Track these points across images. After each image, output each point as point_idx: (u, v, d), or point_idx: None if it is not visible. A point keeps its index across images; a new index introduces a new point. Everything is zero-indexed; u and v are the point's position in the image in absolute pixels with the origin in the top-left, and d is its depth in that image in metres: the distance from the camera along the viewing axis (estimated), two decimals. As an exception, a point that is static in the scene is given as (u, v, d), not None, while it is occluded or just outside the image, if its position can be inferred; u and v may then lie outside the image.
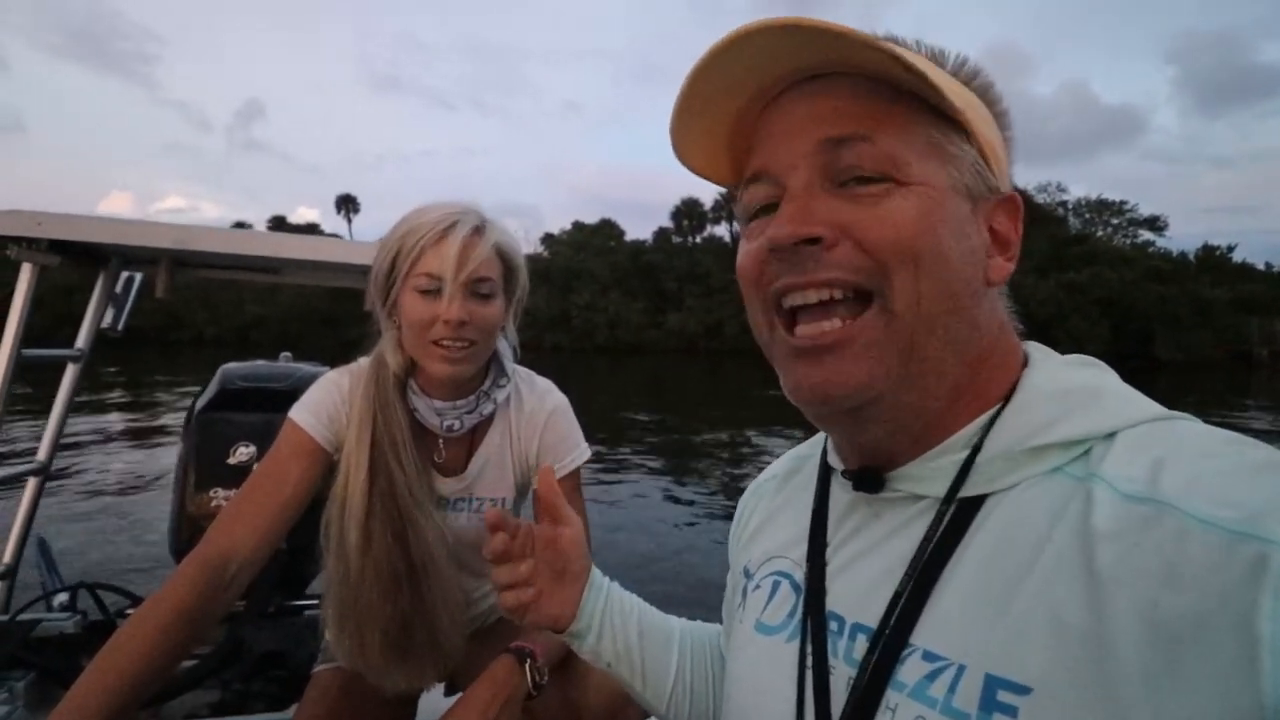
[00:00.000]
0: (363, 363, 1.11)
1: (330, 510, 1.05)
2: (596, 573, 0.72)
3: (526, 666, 0.97)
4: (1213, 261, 42.22)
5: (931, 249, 0.45)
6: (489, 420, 1.15)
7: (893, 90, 0.46)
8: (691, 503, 6.71)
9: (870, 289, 0.45)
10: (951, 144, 0.47)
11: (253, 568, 0.97)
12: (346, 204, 76.22)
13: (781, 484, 0.67)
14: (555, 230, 56.91)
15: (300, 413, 1.06)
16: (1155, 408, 0.45)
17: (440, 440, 1.13)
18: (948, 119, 0.47)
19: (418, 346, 1.03)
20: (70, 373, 1.69)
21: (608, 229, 54.56)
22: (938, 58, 0.51)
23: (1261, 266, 45.51)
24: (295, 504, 1.01)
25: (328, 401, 1.06)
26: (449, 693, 1.30)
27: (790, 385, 0.50)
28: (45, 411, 1.69)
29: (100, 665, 0.83)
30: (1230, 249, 44.33)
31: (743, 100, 0.50)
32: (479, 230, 1.04)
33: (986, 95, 0.51)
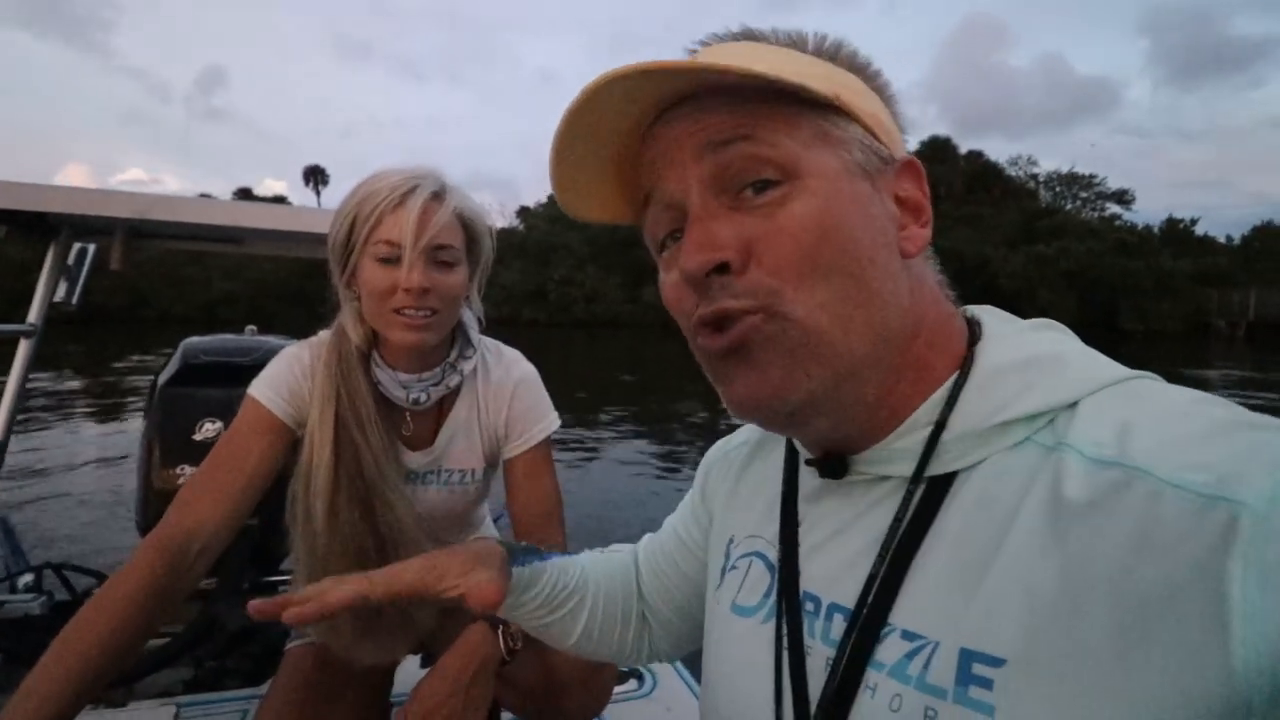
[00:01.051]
0: (324, 336, 1.09)
1: (295, 486, 1.03)
2: (518, 575, 0.67)
3: (500, 633, 0.98)
4: (1176, 234, 43.02)
5: (837, 247, 0.44)
6: (456, 392, 1.14)
7: (762, 93, 0.45)
8: (667, 472, 6.77)
9: (778, 311, 0.44)
10: (836, 128, 0.46)
11: (216, 546, 0.96)
12: (315, 175, 74.06)
13: (753, 453, 0.67)
14: (531, 204, 56.08)
15: (260, 388, 1.03)
16: (1119, 369, 0.45)
17: (407, 413, 1.11)
18: (824, 105, 0.46)
19: (378, 316, 1.01)
20: (24, 349, 1.63)
21: (584, 202, 53.62)
22: (797, 42, 0.50)
23: (1223, 240, 46.73)
24: (258, 481, 0.99)
25: (288, 376, 1.04)
26: (425, 664, 1.31)
27: (725, 399, 0.49)
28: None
29: (61, 646, 0.81)
30: (1193, 222, 45.23)
31: (620, 143, 0.49)
32: (439, 195, 1.01)
33: (854, 65, 0.50)
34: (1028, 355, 0.46)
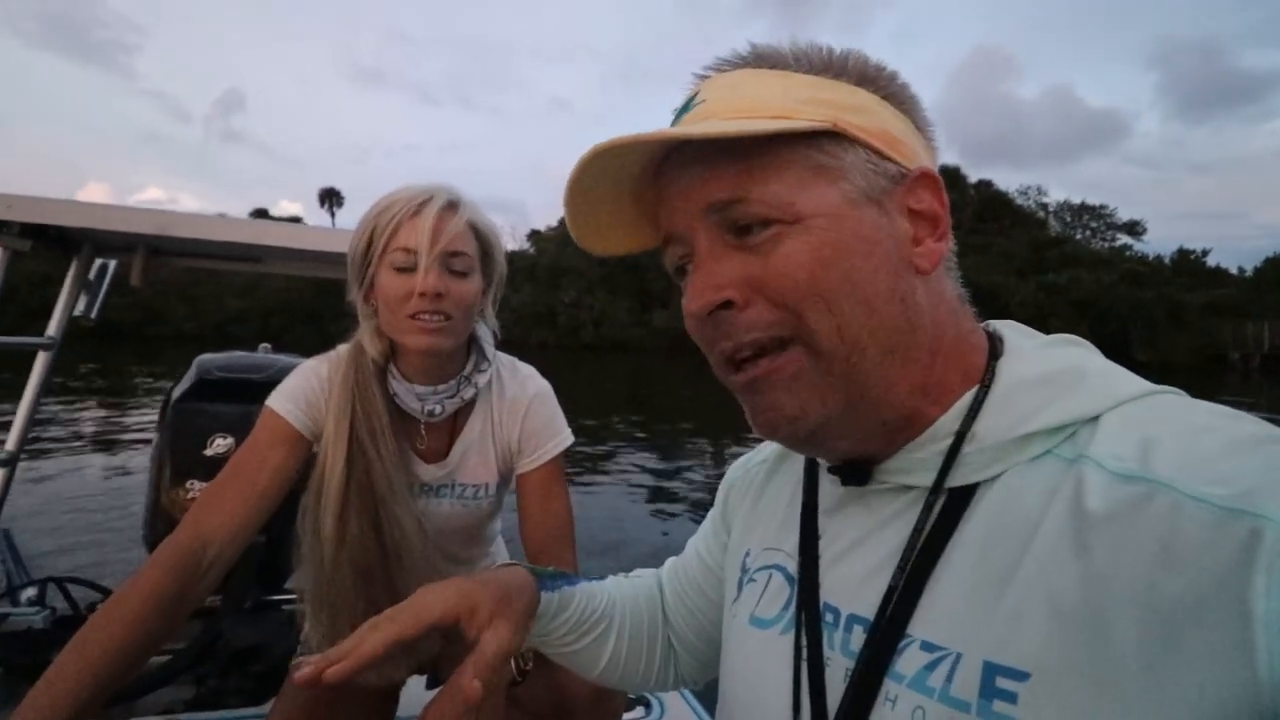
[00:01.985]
0: (342, 350, 1.10)
1: (307, 499, 1.03)
2: (546, 602, 0.66)
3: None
4: (1188, 266, 42.92)
5: (835, 282, 0.45)
6: (470, 406, 1.14)
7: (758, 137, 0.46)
8: (672, 497, 6.72)
9: (788, 337, 0.46)
10: (833, 158, 0.46)
11: (229, 556, 0.95)
12: (330, 197, 75.33)
13: (772, 469, 0.67)
14: (542, 227, 56.70)
15: (279, 400, 1.04)
16: (1141, 383, 0.45)
17: (421, 426, 1.12)
18: (824, 133, 0.46)
19: (394, 323, 1.02)
20: (41, 361, 1.65)
21: (594, 226, 54.21)
22: (802, 58, 0.49)
23: (1235, 271, 46.50)
24: (273, 492, 1.00)
25: (307, 388, 1.05)
26: (431, 685, 1.29)
27: (750, 420, 0.51)
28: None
29: (69, 657, 0.80)
30: (1205, 253, 45.12)
31: (631, 184, 0.51)
32: (453, 206, 1.04)
33: (866, 76, 0.49)
34: (1049, 369, 0.46)
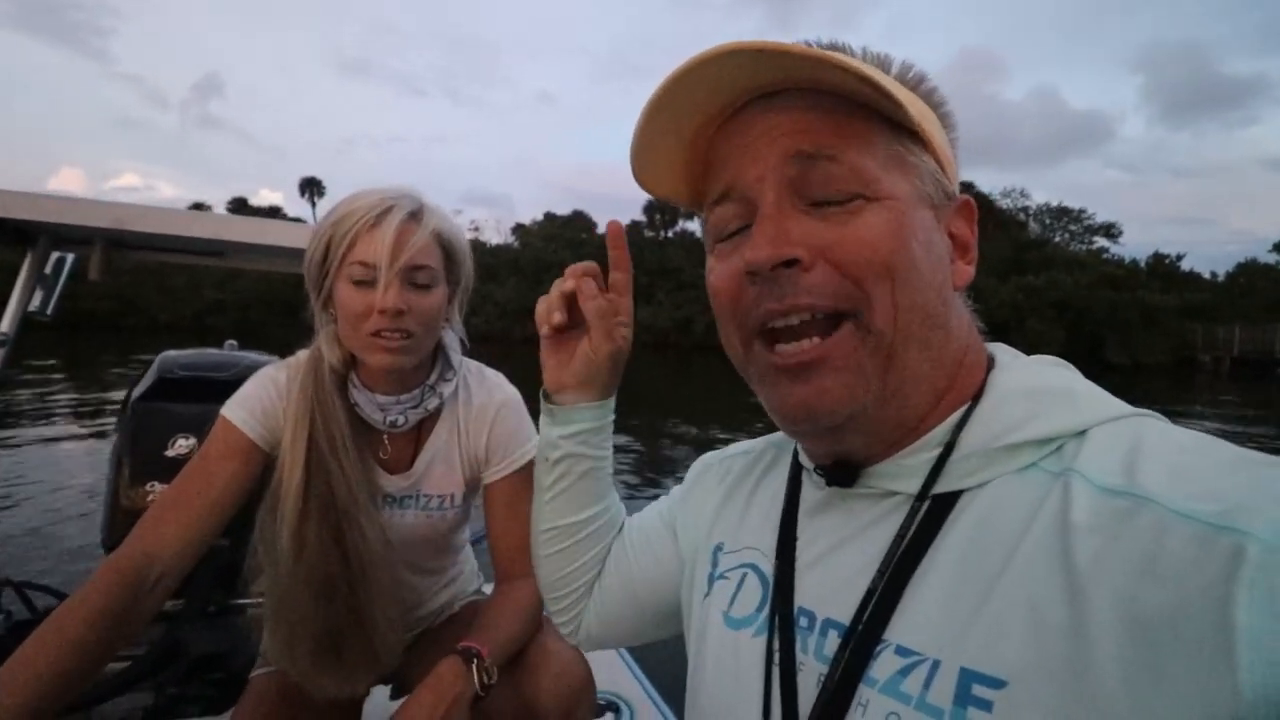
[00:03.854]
0: (301, 356, 1.06)
1: (263, 510, 1.00)
2: (610, 403, 0.72)
3: (473, 667, 0.95)
4: (1163, 269, 43.73)
5: (905, 263, 0.45)
6: (436, 415, 1.11)
7: (849, 104, 0.46)
8: (655, 486, 6.72)
9: (847, 310, 0.46)
10: (911, 155, 0.48)
11: (177, 571, 0.92)
12: (311, 187, 74.18)
13: (751, 466, 0.66)
14: (527, 221, 56.38)
15: (233, 409, 1.01)
16: (1125, 406, 0.46)
17: (385, 436, 1.09)
18: (905, 130, 0.47)
19: (354, 339, 0.99)
20: None
21: (580, 221, 54.20)
22: (883, 64, 0.50)
23: (1208, 275, 47.48)
24: (226, 504, 0.97)
25: (263, 397, 1.02)
26: (394, 695, 1.27)
27: (774, 404, 0.50)
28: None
29: (14, 668, 0.77)
30: (1179, 258, 46.00)
31: (701, 120, 0.50)
32: (415, 216, 0.99)
33: (931, 99, 0.52)
34: (1037, 385, 0.48)
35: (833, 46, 0.50)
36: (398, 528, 1.10)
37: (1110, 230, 48.96)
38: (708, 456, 0.73)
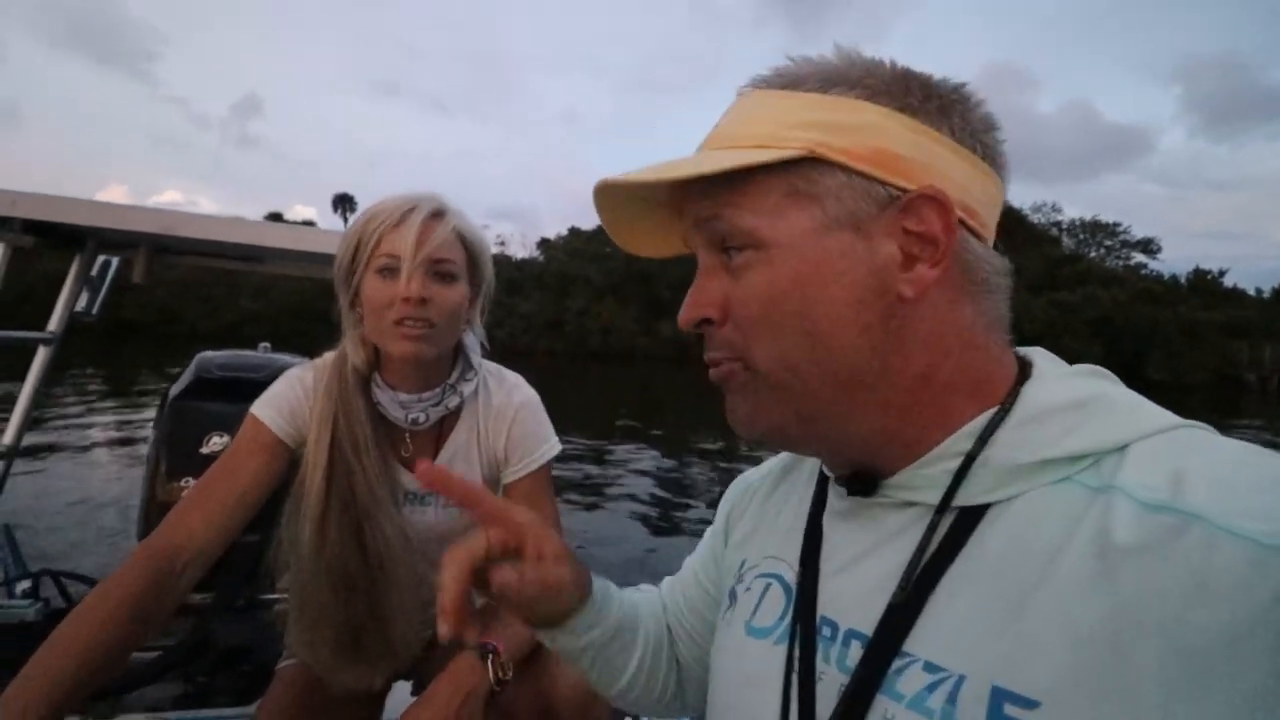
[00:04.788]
0: (328, 357, 1.10)
1: (289, 506, 1.03)
2: (600, 588, 0.64)
3: (489, 663, 0.95)
4: (1204, 285, 42.53)
5: (787, 313, 0.47)
6: (456, 415, 1.14)
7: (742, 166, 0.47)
8: (676, 509, 6.68)
9: (744, 357, 0.50)
10: (811, 183, 0.46)
11: (202, 562, 0.95)
12: (344, 203, 76.16)
13: (776, 482, 0.66)
14: (551, 235, 56.96)
15: (261, 407, 1.04)
16: (1170, 416, 0.44)
17: (406, 434, 1.11)
18: (803, 160, 0.46)
19: (378, 329, 1.02)
20: (41, 356, 1.66)
21: (603, 236, 53.51)
22: (819, 74, 0.48)
23: (1252, 292, 45.94)
24: (252, 498, 0.99)
25: (290, 396, 1.05)
26: (415, 691, 1.28)
27: None
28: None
29: (45, 654, 0.80)
30: (1222, 273, 44.72)
31: (664, 196, 0.54)
32: (438, 214, 1.03)
33: (879, 90, 0.47)
34: (1076, 397, 0.45)
35: (777, 74, 0.50)
36: (419, 524, 1.12)
37: (1148, 245, 47.79)
38: (731, 491, 0.72)
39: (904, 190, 0.45)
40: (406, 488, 1.11)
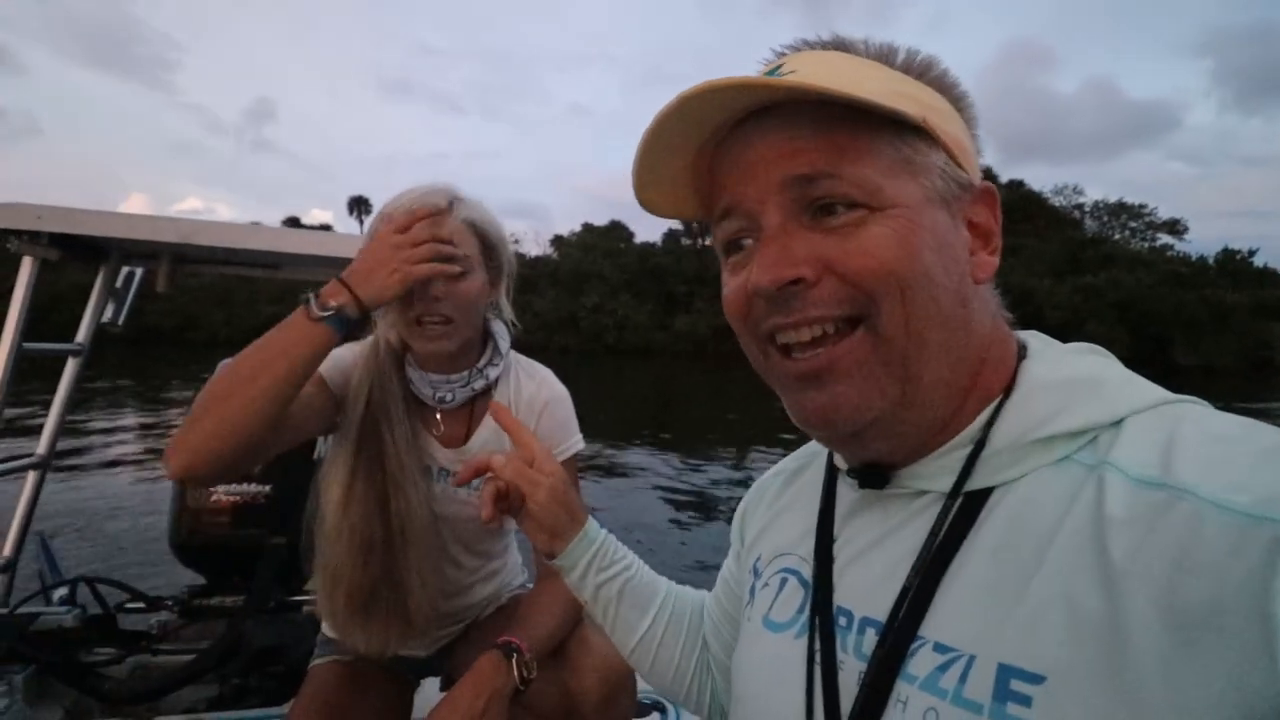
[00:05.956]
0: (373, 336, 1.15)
1: (325, 463, 1.10)
2: (593, 525, 0.75)
3: (513, 662, 0.96)
4: (1233, 266, 41.42)
5: (915, 272, 0.44)
6: (487, 397, 1.17)
7: (851, 112, 0.44)
8: (695, 507, 6.68)
9: (858, 315, 0.46)
10: (919, 154, 0.46)
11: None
12: (359, 205, 76.92)
13: (788, 481, 0.67)
14: (565, 232, 57.15)
15: None
16: (1161, 392, 0.44)
17: (437, 413, 1.15)
18: (910, 128, 0.46)
19: (401, 325, 1.06)
20: (71, 367, 1.69)
21: (617, 231, 54.68)
22: (887, 55, 0.49)
23: (1283, 271, 44.71)
24: (297, 411, 0.98)
25: (346, 355, 1.12)
26: (444, 688, 1.29)
27: (793, 411, 0.50)
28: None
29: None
30: (1251, 253, 43.52)
31: (699, 142, 0.50)
32: (448, 207, 1.05)
33: (942, 85, 0.50)
34: (1069, 375, 0.46)
35: (835, 43, 0.50)
36: (449, 500, 1.15)
37: (1175, 226, 46.75)
38: (746, 499, 0.73)
39: (972, 183, 0.49)
40: (440, 463, 1.14)
